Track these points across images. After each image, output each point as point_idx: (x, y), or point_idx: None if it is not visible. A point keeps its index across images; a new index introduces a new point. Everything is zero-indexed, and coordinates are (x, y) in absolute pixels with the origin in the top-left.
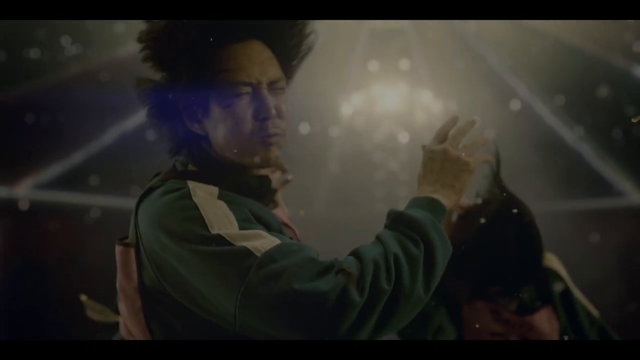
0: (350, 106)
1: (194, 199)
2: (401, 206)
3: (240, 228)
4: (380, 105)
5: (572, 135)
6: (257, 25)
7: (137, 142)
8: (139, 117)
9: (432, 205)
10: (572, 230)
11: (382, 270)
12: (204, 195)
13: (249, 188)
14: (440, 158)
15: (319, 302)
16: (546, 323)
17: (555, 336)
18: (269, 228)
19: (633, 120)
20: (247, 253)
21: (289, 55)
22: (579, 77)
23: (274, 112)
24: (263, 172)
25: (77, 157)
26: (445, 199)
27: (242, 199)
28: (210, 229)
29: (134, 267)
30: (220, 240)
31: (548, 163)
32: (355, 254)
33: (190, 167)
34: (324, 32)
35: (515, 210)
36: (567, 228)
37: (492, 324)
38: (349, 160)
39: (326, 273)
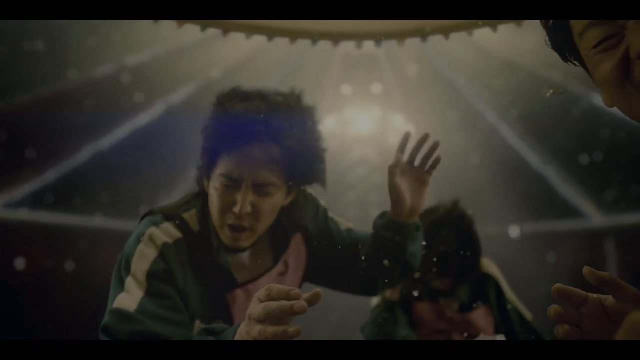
0: (324, 129)
1: (140, 245)
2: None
3: (146, 279)
4: (353, 128)
5: (536, 159)
6: (265, 126)
7: (110, 162)
8: (112, 137)
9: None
10: (534, 250)
11: None
12: (149, 243)
13: (211, 250)
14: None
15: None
16: (483, 320)
17: (491, 331)
18: (177, 287)
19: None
20: (113, 300)
21: (295, 161)
22: (544, 103)
23: (248, 209)
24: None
25: (49, 176)
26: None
27: (178, 258)
28: (130, 270)
29: None
30: (124, 281)
31: (512, 185)
32: None
33: (192, 211)
34: (299, 56)
35: (457, 215)
36: (529, 249)
37: (437, 323)
38: None
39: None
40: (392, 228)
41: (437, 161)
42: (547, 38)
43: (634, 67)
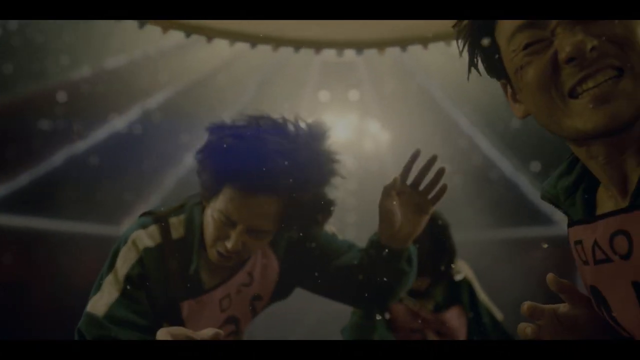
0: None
1: (125, 245)
2: (350, 233)
3: (123, 281)
4: (331, 134)
5: (510, 167)
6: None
7: (85, 166)
8: (87, 141)
9: None
10: (506, 256)
11: None
12: (132, 247)
13: (190, 257)
14: None
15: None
16: (456, 319)
17: (463, 329)
18: (150, 291)
19: None
20: (90, 300)
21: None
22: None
23: (239, 247)
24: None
25: (23, 179)
26: None
27: (156, 263)
28: (115, 268)
29: None
30: (103, 279)
31: (487, 193)
32: None
33: (181, 216)
34: (278, 63)
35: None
36: (502, 254)
37: (413, 323)
38: None
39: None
40: (377, 248)
41: (443, 190)
42: (466, 43)
43: (561, 71)
